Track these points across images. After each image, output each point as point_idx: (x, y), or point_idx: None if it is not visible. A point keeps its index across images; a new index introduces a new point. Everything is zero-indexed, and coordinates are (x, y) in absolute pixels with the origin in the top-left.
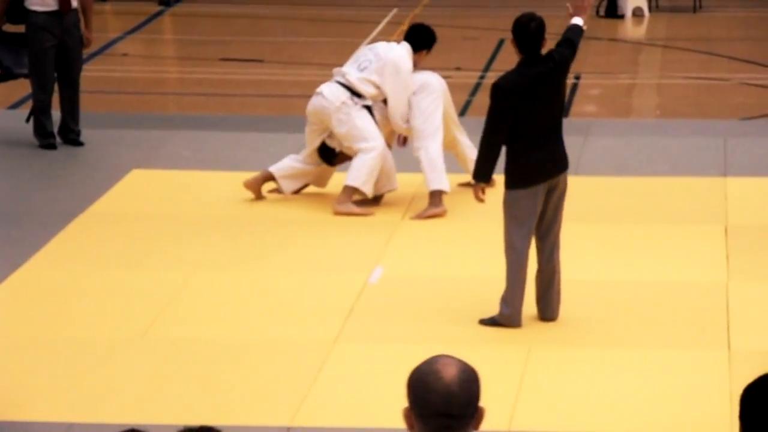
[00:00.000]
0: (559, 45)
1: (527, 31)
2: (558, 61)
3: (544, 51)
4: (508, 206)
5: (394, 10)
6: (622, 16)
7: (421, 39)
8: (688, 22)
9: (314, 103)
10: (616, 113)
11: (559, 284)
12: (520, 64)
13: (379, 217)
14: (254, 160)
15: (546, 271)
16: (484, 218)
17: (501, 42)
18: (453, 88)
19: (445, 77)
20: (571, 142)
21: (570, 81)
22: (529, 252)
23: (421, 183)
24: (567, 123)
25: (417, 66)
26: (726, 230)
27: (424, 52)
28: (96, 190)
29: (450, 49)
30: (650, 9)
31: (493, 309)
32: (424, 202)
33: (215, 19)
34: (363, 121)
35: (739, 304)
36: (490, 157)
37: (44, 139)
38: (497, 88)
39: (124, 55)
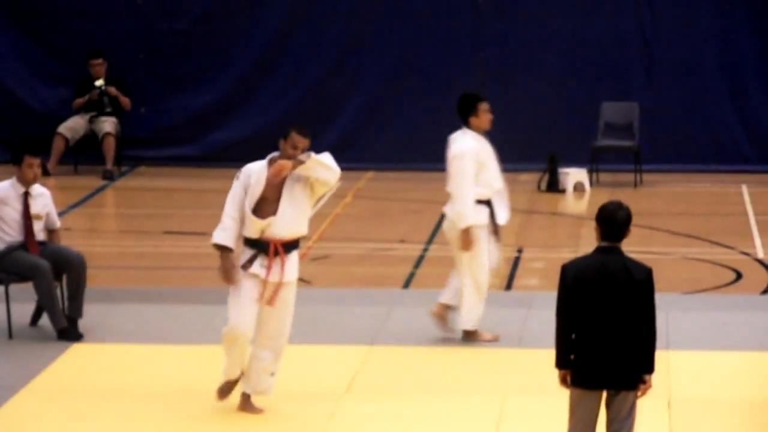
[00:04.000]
0: None
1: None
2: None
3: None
4: None
5: (339, 183)
6: (563, 191)
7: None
8: (629, 196)
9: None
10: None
11: None
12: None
13: (319, 389)
14: (197, 333)
15: None
16: (426, 389)
17: (443, 215)
18: (397, 260)
19: (389, 250)
20: (514, 314)
21: (512, 254)
22: None
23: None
24: (509, 296)
25: None
26: (669, 403)
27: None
28: (38, 365)
29: (394, 221)
30: (591, 183)
31: None
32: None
33: (158, 192)
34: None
35: None
36: None
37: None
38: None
39: (67, 229)
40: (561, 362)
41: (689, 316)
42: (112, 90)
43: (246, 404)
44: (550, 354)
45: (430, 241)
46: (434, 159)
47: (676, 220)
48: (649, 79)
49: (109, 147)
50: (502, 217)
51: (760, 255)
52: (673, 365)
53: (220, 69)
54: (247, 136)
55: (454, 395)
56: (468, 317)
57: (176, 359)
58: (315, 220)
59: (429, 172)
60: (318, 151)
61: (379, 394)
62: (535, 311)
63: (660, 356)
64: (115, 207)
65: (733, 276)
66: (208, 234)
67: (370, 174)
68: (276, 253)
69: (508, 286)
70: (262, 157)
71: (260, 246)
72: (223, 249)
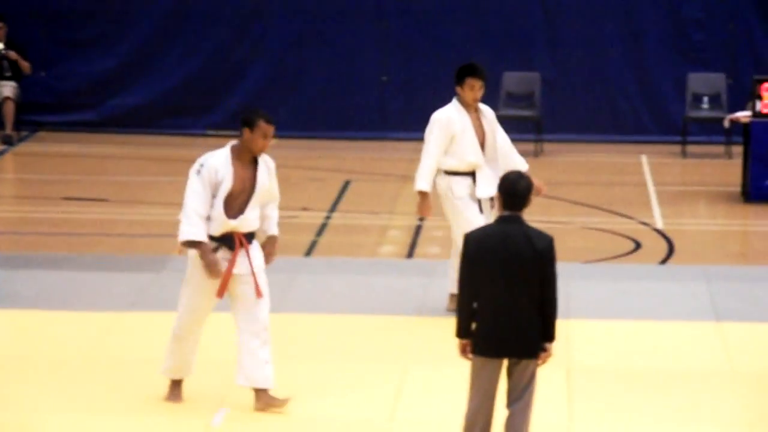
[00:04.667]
0: None
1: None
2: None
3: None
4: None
5: None
6: None
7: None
8: (530, 166)
9: None
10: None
11: None
12: None
13: (221, 355)
14: (97, 300)
15: None
16: (327, 357)
17: (346, 183)
18: (300, 228)
19: (292, 218)
20: (415, 283)
21: (413, 223)
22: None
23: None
24: (410, 264)
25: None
26: (568, 372)
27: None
28: None
29: (297, 189)
30: None
31: None
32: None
33: (58, 158)
34: None
35: None
36: None
37: None
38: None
39: None
40: (462, 331)
41: (589, 285)
42: (12, 54)
43: (267, 399)
44: (450, 322)
45: (333, 209)
46: (337, 127)
47: (576, 190)
48: (551, 50)
49: (9, 112)
50: (481, 191)
51: (659, 225)
52: (572, 334)
53: (121, 34)
54: (148, 101)
55: (355, 363)
56: (454, 283)
57: (78, 326)
58: None
59: (332, 140)
60: (220, 117)
61: (280, 361)
62: (436, 280)
63: (560, 325)
64: (14, 172)
65: (632, 246)
66: (109, 200)
67: (273, 142)
68: (240, 245)
69: (410, 254)
70: (164, 122)
71: (224, 240)
72: (197, 245)
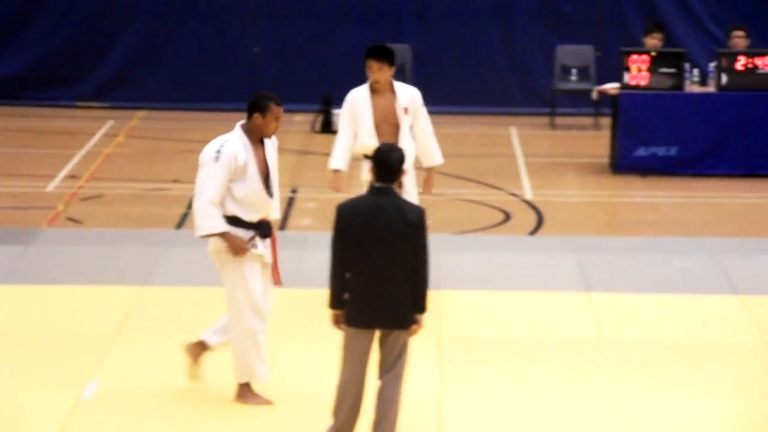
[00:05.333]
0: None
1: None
2: None
3: None
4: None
5: (110, 122)
6: (336, 132)
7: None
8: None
9: None
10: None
11: None
12: None
13: (91, 330)
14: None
15: None
16: (199, 330)
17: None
18: (171, 200)
19: (163, 189)
20: (288, 255)
21: (286, 195)
22: None
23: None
24: (283, 236)
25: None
26: (438, 343)
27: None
28: None
29: (167, 161)
30: None
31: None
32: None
33: None
34: None
35: (453, 417)
36: None
37: None
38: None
39: None
40: (334, 302)
41: (459, 256)
42: None
43: (246, 393)
44: (324, 294)
45: None
46: (208, 99)
47: (446, 162)
48: (421, 22)
49: None
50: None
51: (528, 196)
52: (443, 305)
53: None
54: (16, 71)
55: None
56: None
57: None
58: (86, 159)
59: (203, 111)
60: (89, 89)
61: (150, 335)
62: (308, 252)
63: (430, 296)
64: None
65: (502, 217)
66: None
67: (142, 113)
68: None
69: (282, 226)
70: (32, 93)
71: (260, 227)
72: (220, 234)
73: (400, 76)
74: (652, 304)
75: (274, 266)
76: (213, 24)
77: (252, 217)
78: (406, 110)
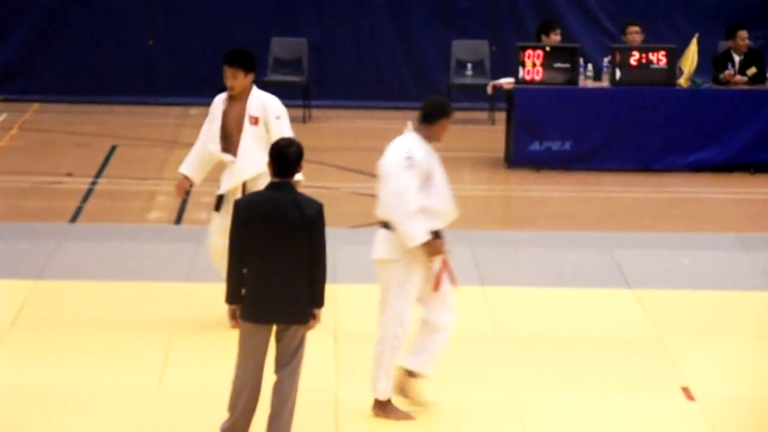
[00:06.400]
0: None
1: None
2: None
3: None
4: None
5: (3, 115)
6: None
7: None
8: (298, 131)
9: None
10: None
11: None
12: None
13: None
14: None
15: None
16: (93, 325)
17: (113, 148)
18: (64, 194)
19: (56, 183)
20: (182, 249)
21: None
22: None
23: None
24: (178, 230)
25: None
26: (335, 336)
27: None
28: None
29: (61, 154)
30: None
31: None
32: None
33: None
34: None
35: (348, 410)
36: None
37: None
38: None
39: None
40: (231, 297)
41: (356, 249)
42: None
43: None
44: (219, 288)
45: (99, 175)
46: (103, 91)
47: (343, 156)
48: (317, 16)
49: None
50: (223, 185)
51: None
52: (339, 298)
53: None
54: None
55: (121, 330)
56: None
57: None
58: None
59: (98, 104)
60: None
61: (44, 329)
62: (204, 246)
63: (327, 290)
64: None
65: None
66: None
67: (35, 106)
68: None
69: (178, 220)
70: None
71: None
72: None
73: (297, 69)
74: (546, 297)
75: (441, 273)
76: (107, 16)
77: (436, 225)
78: (255, 120)
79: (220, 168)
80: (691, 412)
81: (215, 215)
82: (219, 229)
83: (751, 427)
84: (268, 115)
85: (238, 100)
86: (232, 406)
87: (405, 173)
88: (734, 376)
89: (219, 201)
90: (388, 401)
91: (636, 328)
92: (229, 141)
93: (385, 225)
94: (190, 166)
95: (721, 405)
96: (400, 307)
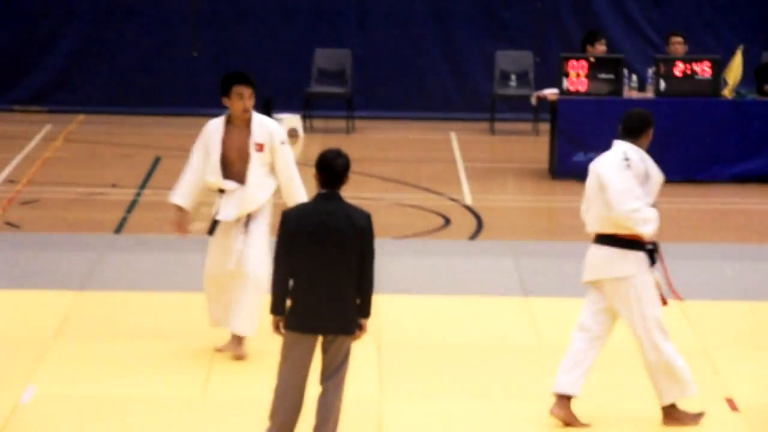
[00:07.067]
0: None
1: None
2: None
3: None
4: None
5: (48, 126)
6: None
7: None
8: (342, 142)
9: None
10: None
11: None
12: None
13: (28, 334)
14: None
15: None
16: (138, 335)
17: (157, 159)
18: (109, 205)
19: (101, 194)
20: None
21: None
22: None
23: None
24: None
25: None
26: (379, 347)
27: None
28: None
29: (105, 165)
30: (305, 130)
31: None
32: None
33: None
34: None
35: (392, 421)
36: None
37: None
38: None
39: None
40: (276, 308)
41: (400, 260)
42: None
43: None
44: (267, 299)
45: (143, 186)
46: (147, 103)
47: (387, 167)
48: (362, 27)
49: None
50: (223, 213)
51: (468, 201)
52: (383, 309)
53: None
54: None
55: (165, 340)
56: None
57: None
58: (24, 164)
59: (141, 116)
60: (27, 93)
61: (88, 340)
62: None
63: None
64: None
65: (442, 222)
66: None
67: (81, 117)
68: None
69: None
70: None
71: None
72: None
73: (341, 80)
74: None
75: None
76: (152, 28)
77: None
78: (261, 146)
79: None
80: (735, 423)
81: (213, 240)
82: (218, 253)
83: None
84: (274, 140)
85: (237, 126)
86: (274, 414)
87: (625, 172)
88: None
89: (214, 225)
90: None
91: (680, 338)
92: (231, 169)
93: (603, 239)
94: (185, 196)
95: (765, 415)
96: (657, 313)
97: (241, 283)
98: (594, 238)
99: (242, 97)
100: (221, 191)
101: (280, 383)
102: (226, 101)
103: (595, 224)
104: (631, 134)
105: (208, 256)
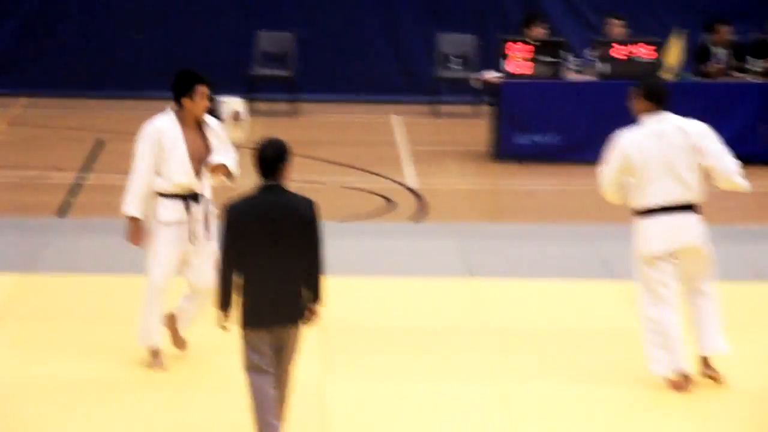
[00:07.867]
0: None
1: None
2: None
3: None
4: None
5: None
6: (219, 119)
7: None
8: (286, 125)
9: None
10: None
11: None
12: None
13: None
14: None
15: None
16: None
17: (101, 142)
18: (53, 188)
19: (44, 177)
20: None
21: None
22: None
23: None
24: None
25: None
26: (322, 329)
27: None
28: None
29: (49, 149)
30: (248, 113)
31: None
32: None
33: None
34: None
35: (335, 403)
36: None
37: None
38: None
39: None
40: (223, 303)
41: (344, 242)
42: None
43: None
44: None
45: (87, 170)
46: (90, 86)
47: (331, 149)
48: (304, 9)
49: None
50: (181, 215)
51: (411, 184)
52: (327, 292)
53: None
54: None
55: (110, 323)
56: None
57: None
58: None
59: (85, 99)
60: None
61: (33, 321)
62: None
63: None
64: None
65: (385, 204)
66: None
67: (24, 100)
68: None
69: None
70: None
71: None
72: None
73: (284, 62)
74: (532, 289)
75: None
76: (94, 11)
77: None
78: (214, 146)
79: None
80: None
81: (161, 246)
82: (171, 261)
83: None
84: (221, 135)
85: (188, 125)
86: (261, 415)
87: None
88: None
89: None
90: None
91: (622, 319)
92: (198, 168)
93: (688, 208)
94: (139, 206)
95: (756, 396)
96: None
97: (190, 293)
98: (671, 207)
99: (204, 96)
100: (175, 195)
101: (252, 379)
102: (186, 101)
103: (675, 192)
104: (653, 99)
105: (158, 264)
